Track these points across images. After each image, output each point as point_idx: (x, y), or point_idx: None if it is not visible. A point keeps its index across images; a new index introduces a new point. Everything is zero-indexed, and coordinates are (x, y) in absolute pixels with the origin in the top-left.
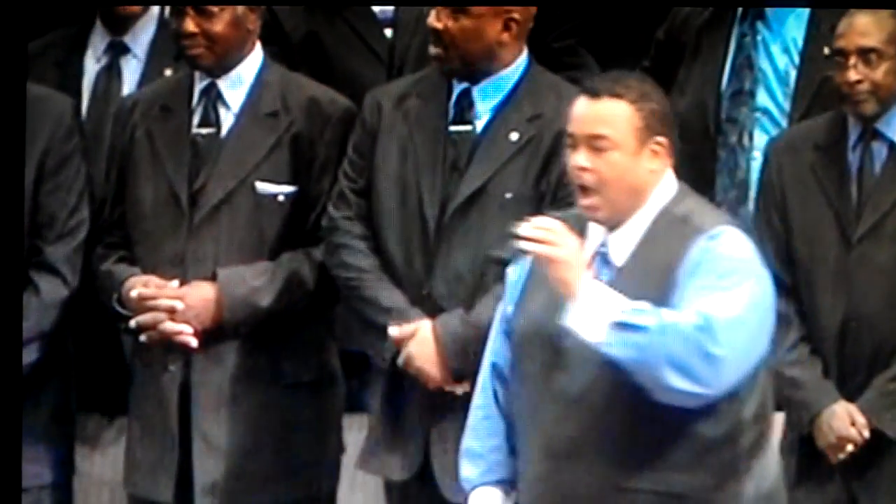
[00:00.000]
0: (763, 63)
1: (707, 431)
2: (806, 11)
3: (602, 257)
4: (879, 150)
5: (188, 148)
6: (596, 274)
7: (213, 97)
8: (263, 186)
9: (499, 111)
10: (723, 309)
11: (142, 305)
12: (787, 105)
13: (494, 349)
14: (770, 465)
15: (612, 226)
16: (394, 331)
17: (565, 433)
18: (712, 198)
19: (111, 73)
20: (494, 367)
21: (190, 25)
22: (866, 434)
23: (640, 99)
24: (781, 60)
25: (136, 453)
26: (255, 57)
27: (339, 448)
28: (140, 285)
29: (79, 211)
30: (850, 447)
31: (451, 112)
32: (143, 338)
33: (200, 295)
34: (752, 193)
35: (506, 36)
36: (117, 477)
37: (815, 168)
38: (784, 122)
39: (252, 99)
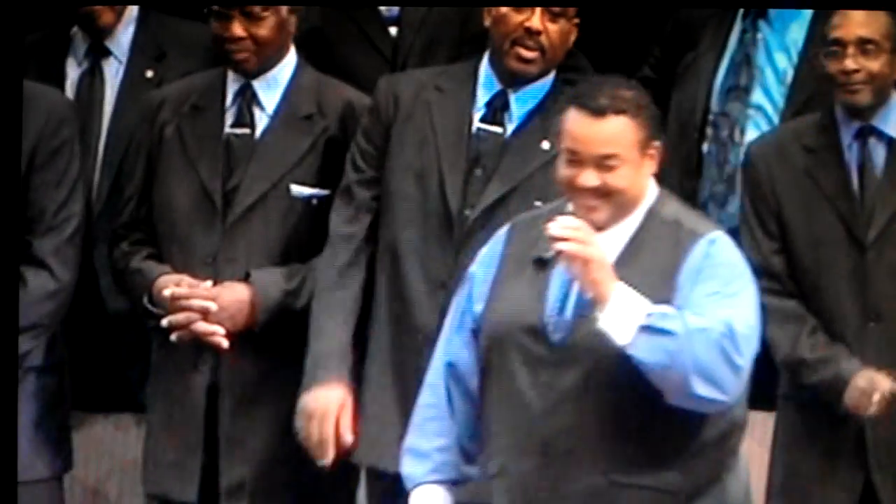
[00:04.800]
0: (762, 61)
1: (703, 431)
2: (808, 14)
3: None
4: (877, 148)
5: (221, 148)
6: None
7: (247, 98)
8: (298, 189)
9: (530, 118)
10: (740, 317)
11: (175, 305)
12: (782, 103)
13: (450, 349)
14: (744, 465)
15: (596, 227)
16: None
17: (556, 428)
18: (695, 190)
19: (93, 76)
20: (450, 366)
21: (238, 30)
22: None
23: (638, 110)
24: (781, 60)
25: (158, 452)
26: (290, 59)
27: None
28: (172, 284)
29: (69, 205)
30: (875, 397)
31: (483, 111)
32: (173, 337)
33: (234, 296)
34: (740, 188)
35: (572, 39)
36: (110, 474)
37: (810, 171)
38: (777, 121)
39: (287, 101)
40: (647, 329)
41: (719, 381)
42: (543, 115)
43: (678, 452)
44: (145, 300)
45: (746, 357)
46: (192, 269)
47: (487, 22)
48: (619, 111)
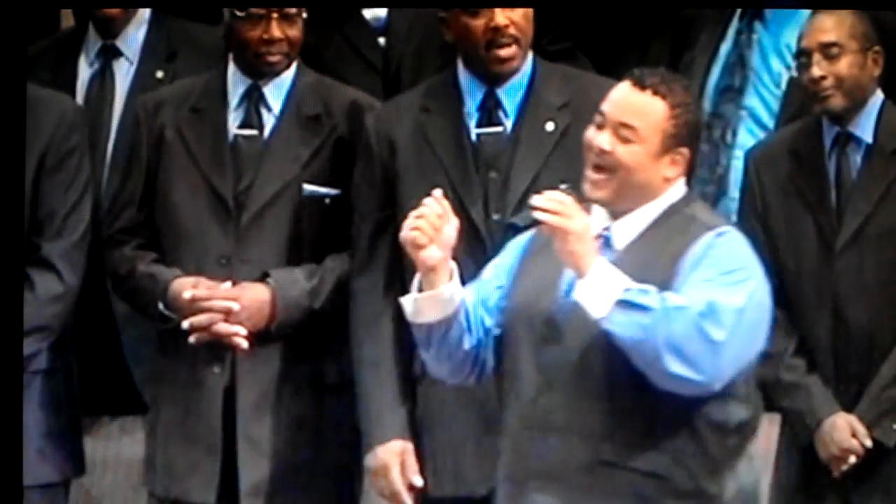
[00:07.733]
0: (756, 63)
1: (697, 421)
2: (804, 15)
3: (605, 240)
4: (854, 154)
5: (228, 149)
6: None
7: (255, 99)
8: (311, 188)
9: (523, 106)
10: (727, 297)
11: (195, 307)
12: (776, 106)
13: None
14: (749, 468)
15: (615, 212)
16: None
17: (546, 404)
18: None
19: (104, 77)
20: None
21: (276, 31)
22: (868, 443)
23: (679, 106)
24: (776, 63)
25: (169, 455)
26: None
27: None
28: (190, 286)
29: (78, 208)
30: (852, 459)
31: (477, 116)
32: (192, 339)
33: (255, 296)
34: (731, 190)
35: (532, 12)
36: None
37: (793, 177)
38: (771, 124)
39: (293, 102)
40: (623, 303)
41: (693, 359)
42: (535, 100)
43: (670, 439)
44: (160, 304)
45: (728, 334)
46: (206, 270)
47: (450, 37)
48: (657, 93)
